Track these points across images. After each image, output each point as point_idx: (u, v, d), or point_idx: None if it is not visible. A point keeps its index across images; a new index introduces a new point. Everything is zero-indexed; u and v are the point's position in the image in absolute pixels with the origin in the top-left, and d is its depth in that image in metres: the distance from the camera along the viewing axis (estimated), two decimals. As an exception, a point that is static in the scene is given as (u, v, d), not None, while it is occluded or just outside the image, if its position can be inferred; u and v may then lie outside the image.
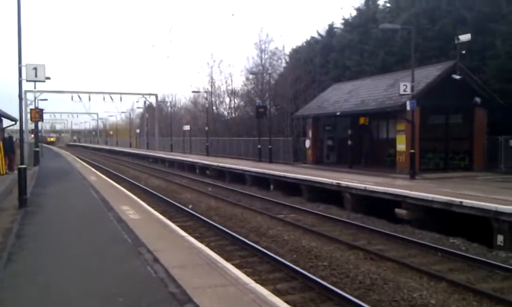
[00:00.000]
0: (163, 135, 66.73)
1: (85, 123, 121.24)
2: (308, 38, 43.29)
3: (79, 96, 65.73)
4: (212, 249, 9.09)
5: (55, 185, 19.14)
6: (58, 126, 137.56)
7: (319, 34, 41.32)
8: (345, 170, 22.43)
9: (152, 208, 13.70)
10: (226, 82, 55.74)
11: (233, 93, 54.48)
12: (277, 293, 7.12)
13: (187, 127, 50.53)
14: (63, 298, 5.95)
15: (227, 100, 56.28)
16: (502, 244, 10.79)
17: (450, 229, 12.10)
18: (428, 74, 20.98)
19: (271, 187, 21.64)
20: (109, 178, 23.76)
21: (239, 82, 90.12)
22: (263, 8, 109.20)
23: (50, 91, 58.93)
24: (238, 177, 25.17)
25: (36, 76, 13.40)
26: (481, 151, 21.17)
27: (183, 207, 16.12)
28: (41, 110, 30.95)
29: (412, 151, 18.76)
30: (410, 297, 7.62)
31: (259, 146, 31.55)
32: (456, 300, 7.57)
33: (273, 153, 30.39)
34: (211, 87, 56.18)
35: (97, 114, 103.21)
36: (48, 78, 23.66)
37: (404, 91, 18.73)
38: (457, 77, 19.77)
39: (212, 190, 21.68)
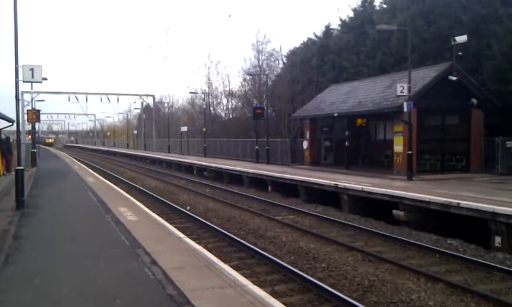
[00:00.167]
0: (160, 136, 66.70)
1: (82, 124, 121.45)
2: (305, 39, 43.48)
3: (76, 97, 65.89)
4: (210, 250, 9.11)
5: (52, 187, 19.08)
6: (55, 128, 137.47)
7: (316, 36, 41.41)
8: (342, 171, 22.46)
9: (150, 209, 13.69)
10: (223, 83, 56.07)
11: (230, 94, 54.50)
12: (275, 295, 7.11)
13: (184, 128, 50.51)
14: (61, 300, 5.94)
15: (224, 101, 56.41)
16: (499, 246, 10.82)
17: (448, 230, 12.14)
18: (425, 75, 21.04)
19: (269, 188, 21.66)
20: (107, 179, 23.70)
21: (236, 83, 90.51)
22: (260, 9, 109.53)
23: (47, 92, 59.00)
24: (236, 178, 25.18)
25: (32, 77, 13.37)
26: (478, 153, 21.23)
27: (181, 209, 16.11)
28: (38, 111, 30.90)
29: (409, 152, 18.80)
30: (408, 298, 7.64)
31: (257, 147, 31.53)
32: (454, 302, 7.59)
33: (271, 155, 30.37)
34: (208, 88, 56.27)
35: (94, 115, 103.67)
36: (45, 79, 23.68)
37: (401, 92, 18.76)
38: (454, 78, 19.84)
39: (209, 192, 21.66)
